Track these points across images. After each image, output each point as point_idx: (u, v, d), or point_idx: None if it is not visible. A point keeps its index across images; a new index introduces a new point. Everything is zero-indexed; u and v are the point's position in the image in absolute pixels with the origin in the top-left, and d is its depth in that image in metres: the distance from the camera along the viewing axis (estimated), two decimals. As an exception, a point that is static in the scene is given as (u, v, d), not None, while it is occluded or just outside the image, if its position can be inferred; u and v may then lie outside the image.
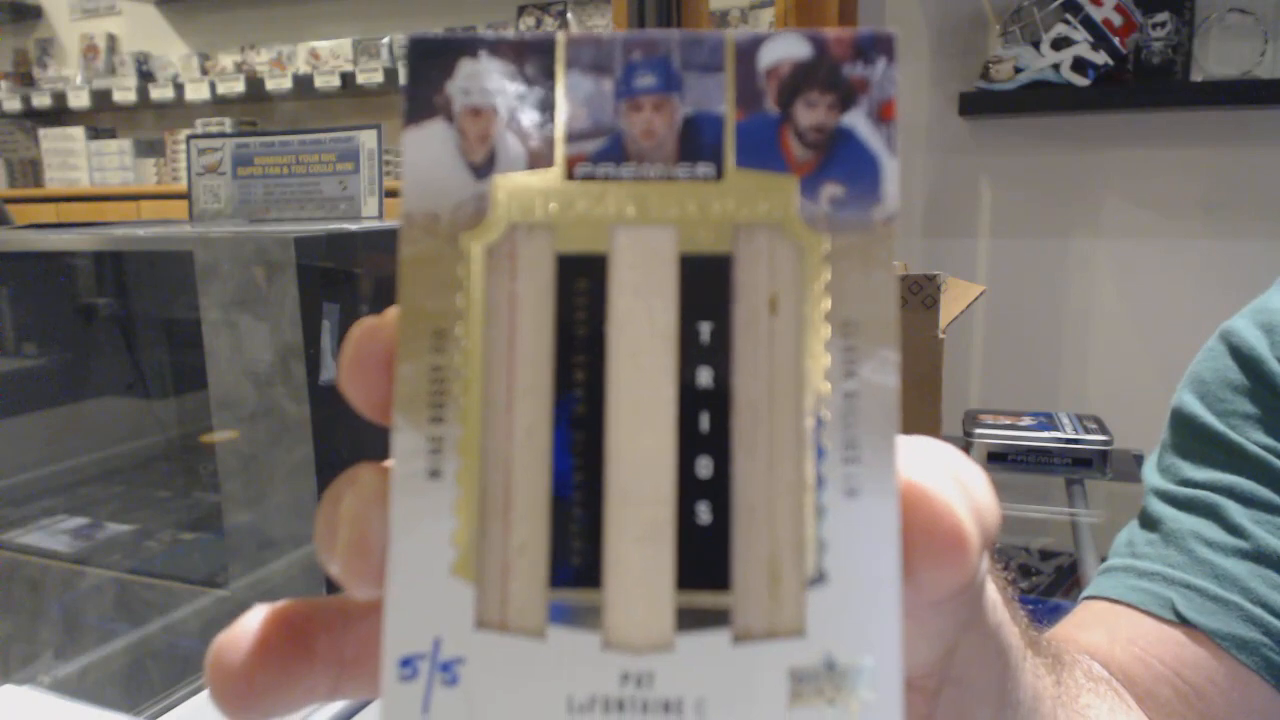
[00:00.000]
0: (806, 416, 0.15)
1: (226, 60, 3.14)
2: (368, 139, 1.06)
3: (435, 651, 0.14)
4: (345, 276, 0.86)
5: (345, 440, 0.79)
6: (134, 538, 1.06)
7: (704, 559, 0.14)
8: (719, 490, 0.15)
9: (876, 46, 0.15)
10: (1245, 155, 1.85)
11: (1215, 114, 1.85)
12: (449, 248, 0.15)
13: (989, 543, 0.16)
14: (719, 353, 0.15)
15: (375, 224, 1.02)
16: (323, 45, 2.95)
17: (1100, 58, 1.82)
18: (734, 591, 0.14)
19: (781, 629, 0.14)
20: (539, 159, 0.15)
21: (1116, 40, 1.81)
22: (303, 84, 2.94)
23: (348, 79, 2.87)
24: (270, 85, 2.97)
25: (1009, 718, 0.24)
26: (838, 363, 0.15)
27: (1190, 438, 0.48)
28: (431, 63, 0.16)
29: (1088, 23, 1.82)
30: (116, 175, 3.25)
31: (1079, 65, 1.83)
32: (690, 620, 0.14)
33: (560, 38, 0.16)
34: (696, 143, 0.15)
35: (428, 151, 0.15)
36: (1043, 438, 1.13)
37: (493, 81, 0.16)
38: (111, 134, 3.34)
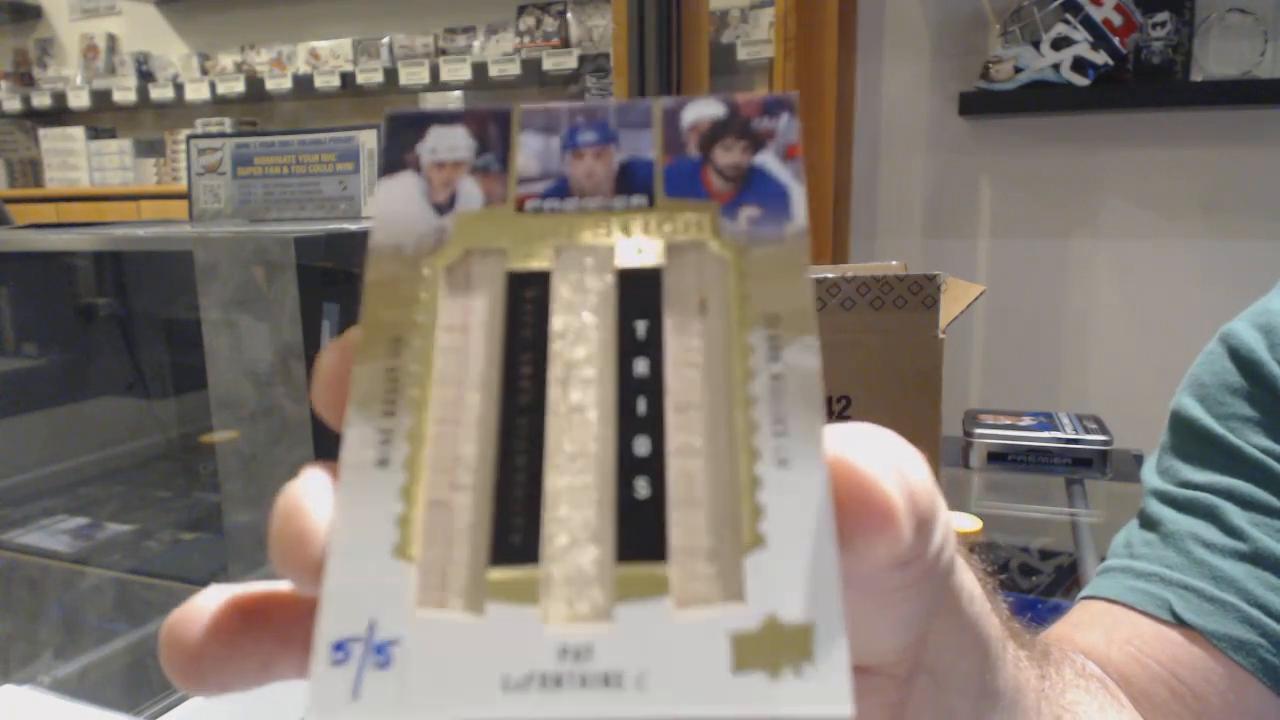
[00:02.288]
0: (737, 394, 0.16)
1: (226, 60, 3.14)
2: (367, 139, 1.06)
3: (370, 634, 0.14)
4: (345, 276, 0.86)
5: (345, 440, 0.79)
6: (134, 538, 1.06)
7: (641, 531, 0.15)
8: (655, 465, 0.15)
9: (780, 105, 0.18)
10: (1245, 155, 1.85)
11: (1215, 114, 1.85)
12: (411, 271, 0.17)
13: (923, 517, 0.16)
14: (654, 346, 0.16)
15: (375, 224, 1.02)
16: (323, 45, 2.95)
17: (1100, 58, 1.82)
18: (672, 561, 0.15)
19: (721, 595, 0.14)
20: (494, 198, 0.18)
21: (1116, 40, 1.81)
22: (303, 84, 2.94)
23: (347, 79, 2.87)
24: (270, 85, 2.97)
25: (987, 708, 0.24)
26: (763, 350, 0.16)
27: (1189, 440, 0.48)
28: (406, 132, 0.18)
29: (1088, 23, 1.82)
30: (116, 175, 3.25)
31: (1079, 65, 1.84)
32: (628, 591, 0.14)
33: (516, 109, 0.19)
34: (631, 180, 0.18)
35: (396, 195, 0.18)
36: (1043, 438, 1.13)
37: (457, 140, 0.18)
38: (111, 134, 3.34)
